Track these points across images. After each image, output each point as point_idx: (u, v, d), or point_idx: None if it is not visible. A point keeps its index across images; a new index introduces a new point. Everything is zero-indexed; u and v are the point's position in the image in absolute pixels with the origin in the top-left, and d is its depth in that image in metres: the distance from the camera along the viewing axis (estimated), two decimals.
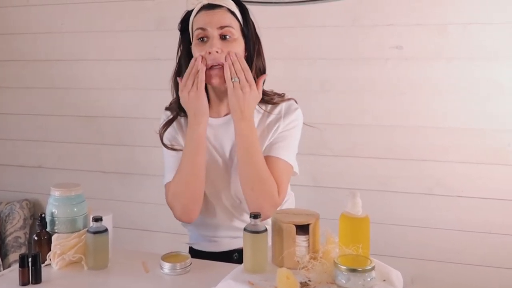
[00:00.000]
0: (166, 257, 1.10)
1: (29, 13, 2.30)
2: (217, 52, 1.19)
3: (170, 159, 1.31)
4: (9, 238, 2.18)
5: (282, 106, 1.29)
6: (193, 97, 1.19)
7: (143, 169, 2.22)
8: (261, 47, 1.29)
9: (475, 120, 1.82)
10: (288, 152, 1.26)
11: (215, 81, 1.21)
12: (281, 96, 1.33)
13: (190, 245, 1.43)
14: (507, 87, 1.78)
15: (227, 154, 1.30)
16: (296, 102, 1.33)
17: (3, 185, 2.43)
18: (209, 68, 1.20)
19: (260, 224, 1.00)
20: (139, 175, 2.23)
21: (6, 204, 2.27)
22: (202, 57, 1.19)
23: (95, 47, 2.25)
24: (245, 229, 1.01)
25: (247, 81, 1.18)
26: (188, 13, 1.27)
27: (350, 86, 1.93)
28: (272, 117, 1.28)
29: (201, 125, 1.21)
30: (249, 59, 1.25)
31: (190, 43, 1.27)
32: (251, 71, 1.24)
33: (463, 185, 1.85)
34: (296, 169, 1.31)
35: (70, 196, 1.18)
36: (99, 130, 2.28)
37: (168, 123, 1.32)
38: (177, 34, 2.07)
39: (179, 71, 1.29)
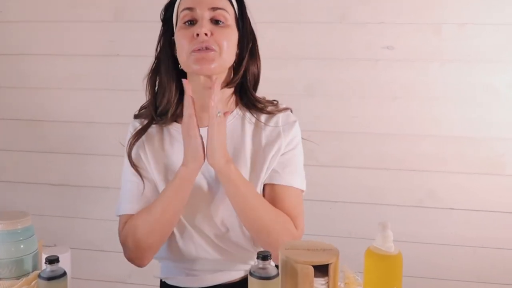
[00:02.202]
0: None
1: None
2: (206, 34, 0.98)
3: (129, 185, 1.09)
4: None
5: (279, 118, 1.10)
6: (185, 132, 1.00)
7: (99, 181, 1.95)
8: (257, 46, 1.08)
9: (469, 128, 1.72)
10: (299, 177, 1.09)
11: (201, 66, 0.99)
12: (275, 105, 1.14)
13: (163, 279, 1.20)
14: (503, 92, 1.68)
15: (212, 173, 1.08)
16: (291, 111, 1.15)
17: None
18: (194, 51, 0.98)
19: (270, 267, 0.80)
20: (94, 188, 1.96)
21: None
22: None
23: (42, 40, 1.94)
24: (251, 274, 0.79)
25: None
26: (171, 3, 1.06)
27: (337, 89, 1.77)
28: (268, 129, 1.08)
29: (189, 167, 1.00)
30: (240, 59, 1.06)
31: (173, 35, 1.04)
32: (240, 71, 1.05)
33: (456, 197, 1.75)
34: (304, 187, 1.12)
35: (15, 231, 0.92)
36: (46, 136, 1.98)
37: (138, 135, 1.08)
38: (139, 27, 1.86)
39: (157, 69, 1.08)
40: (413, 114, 1.74)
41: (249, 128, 1.09)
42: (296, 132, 1.11)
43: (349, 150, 1.78)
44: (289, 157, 1.09)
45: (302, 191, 1.10)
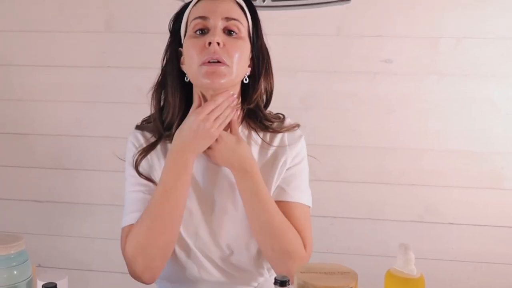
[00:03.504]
0: None
1: None
2: (218, 44, 0.93)
3: (135, 195, 1.02)
4: None
5: (285, 135, 1.07)
6: (212, 133, 0.95)
7: (88, 197, 1.88)
8: (271, 62, 1.05)
9: (467, 142, 1.72)
10: (305, 193, 1.05)
11: (211, 80, 0.94)
12: (281, 120, 1.10)
13: None
14: (500, 106, 1.69)
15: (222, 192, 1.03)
16: (299, 127, 1.11)
17: None
18: (205, 63, 0.94)
19: None
20: (82, 205, 1.89)
21: None
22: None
23: (28, 50, 1.87)
24: None
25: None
26: (184, 7, 1.01)
27: (333, 102, 1.75)
28: (273, 149, 1.05)
29: (193, 155, 0.95)
30: (256, 76, 1.02)
31: (179, 47, 1.00)
32: (257, 92, 1.01)
33: (455, 212, 1.74)
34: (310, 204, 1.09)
35: (8, 256, 0.85)
36: (32, 150, 1.90)
37: (146, 152, 1.03)
38: (130, 38, 1.82)
39: (163, 82, 1.03)
40: (411, 128, 1.73)
41: (255, 149, 1.05)
42: (301, 146, 1.08)
43: (347, 164, 1.76)
44: (293, 172, 1.05)
45: (309, 207, 1.06)
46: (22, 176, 1.91)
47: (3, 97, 1.90)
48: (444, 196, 1.73)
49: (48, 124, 1.89)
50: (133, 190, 1.02)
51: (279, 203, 1.02)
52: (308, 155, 1.11)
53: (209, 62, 0.93)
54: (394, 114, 1.73)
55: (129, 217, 1.00)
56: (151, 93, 1.04)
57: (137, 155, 1.02)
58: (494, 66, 1.67)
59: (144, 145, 1.02)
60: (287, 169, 1.04)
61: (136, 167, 1.01)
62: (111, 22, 1.81)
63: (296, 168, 1.05)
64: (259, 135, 1.05)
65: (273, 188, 1.03)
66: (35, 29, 1.86)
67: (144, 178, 1.02)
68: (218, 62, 0.93)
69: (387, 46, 1.70)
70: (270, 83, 1.05)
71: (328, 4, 1.69)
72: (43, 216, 1.90)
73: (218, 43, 0.93)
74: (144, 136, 1.05)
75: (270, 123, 1.05)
